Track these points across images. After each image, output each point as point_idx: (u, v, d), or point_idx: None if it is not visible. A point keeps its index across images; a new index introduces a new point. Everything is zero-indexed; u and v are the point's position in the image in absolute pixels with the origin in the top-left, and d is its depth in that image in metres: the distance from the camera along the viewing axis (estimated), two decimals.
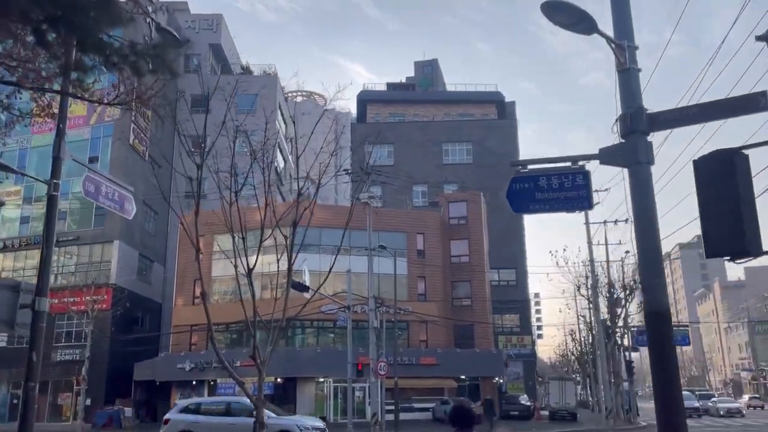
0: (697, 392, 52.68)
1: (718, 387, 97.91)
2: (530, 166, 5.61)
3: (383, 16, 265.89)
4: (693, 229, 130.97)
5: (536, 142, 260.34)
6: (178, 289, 40.50)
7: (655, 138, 5.50)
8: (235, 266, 12.75)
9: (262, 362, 11.96)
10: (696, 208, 4.88)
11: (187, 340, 39.20)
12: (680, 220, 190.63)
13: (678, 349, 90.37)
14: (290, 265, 12.97)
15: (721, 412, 42.24)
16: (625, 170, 5.35)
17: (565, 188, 5.38)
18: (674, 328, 44.14)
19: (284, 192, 51.12)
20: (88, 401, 34.21)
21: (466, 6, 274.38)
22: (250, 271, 12.42)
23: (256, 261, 12.53)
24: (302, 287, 22.96)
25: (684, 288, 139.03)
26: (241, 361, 35.58)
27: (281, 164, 53.24)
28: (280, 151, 52.35)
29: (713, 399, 46.95)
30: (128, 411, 35.67)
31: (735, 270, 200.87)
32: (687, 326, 47.72)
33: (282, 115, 59.46)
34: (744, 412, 43.25)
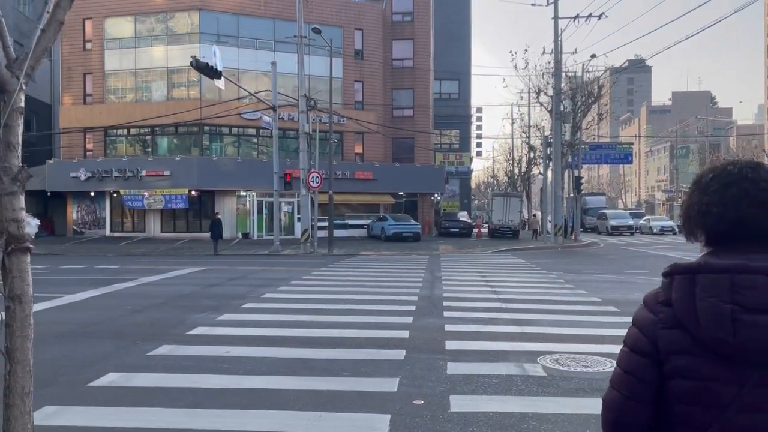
0: (629, 211, 53.13)
1: (630, 208, 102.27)
2: None
3: None
4: (625, 53, 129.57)
5: None
6: (65, 85, 33.63)
7: None
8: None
9: None
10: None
11: (81, 145, 33.33)
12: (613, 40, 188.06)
13: (594, 170, 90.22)
14: None
15: (655, 230, 42.08)
16: None
17: None
18: (619, 146, 41.72)
19: None
20: None
21: None
22: None
23: None
24: (212, 71, 17.60)
25: (611, 112, 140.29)
26: (147, 171, 30.71)
27: None
28: None
29: (646, 217, 46.94)
30: None
31: (662, 95, 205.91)
32: (631, 144, 45.84)
33: None
34: (677, 230, 43.25)
